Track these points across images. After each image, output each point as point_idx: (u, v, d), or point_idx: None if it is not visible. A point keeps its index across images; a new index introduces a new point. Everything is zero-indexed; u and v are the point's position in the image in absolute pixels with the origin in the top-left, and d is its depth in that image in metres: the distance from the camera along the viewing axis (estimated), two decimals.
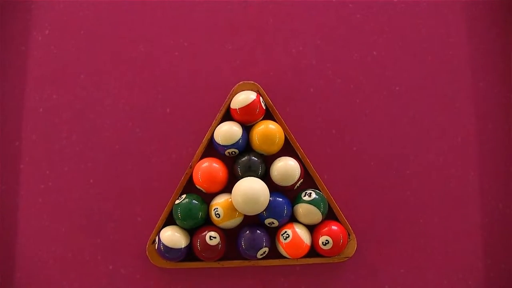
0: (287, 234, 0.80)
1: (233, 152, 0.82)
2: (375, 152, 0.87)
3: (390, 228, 0.86)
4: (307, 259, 0.82)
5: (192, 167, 0.82)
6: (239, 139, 0.81)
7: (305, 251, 0.81)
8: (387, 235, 0.86)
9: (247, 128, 0.84)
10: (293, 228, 0.81)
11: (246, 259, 0.82)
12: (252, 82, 0.84)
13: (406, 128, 0.87)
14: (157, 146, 0.86)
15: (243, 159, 0.81)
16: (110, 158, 0.86)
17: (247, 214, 0.79)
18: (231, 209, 0.80)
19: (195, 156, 0.83)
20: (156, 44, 0.88)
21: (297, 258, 0.82)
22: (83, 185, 0.85)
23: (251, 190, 0.77)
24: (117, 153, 0.86)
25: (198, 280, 0.84)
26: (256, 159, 0.81)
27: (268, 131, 0.82)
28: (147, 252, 0.82)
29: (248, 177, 0.79)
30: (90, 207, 0.85)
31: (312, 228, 0.82)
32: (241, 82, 0.84)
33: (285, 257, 0.82)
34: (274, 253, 0.82)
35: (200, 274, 0.84)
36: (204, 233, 0.79)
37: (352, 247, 0.83)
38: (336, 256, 0.83)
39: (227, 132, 0.81)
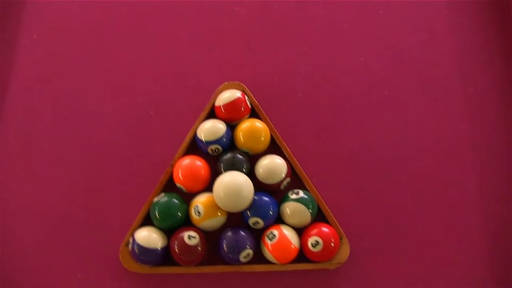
0: (272, 235, 0.74)
1: (216, 150, 0.78)
2: (368, 156, 0.83)
3: (387, 235, 0.80)
4: (296, 264, 0.75)
5: (173, 165, 0.78)
6: (223, 136, 0.78)
7: (293, 254, 0.74)
8: (383, 242, 0.79)
9: (232, 127, 0.81)
10: (280, 228, 0.74)
11: (228, 263, 0.75)
12: (238, 82, 0.83)
13: (399, 132, 0.84)
14: (139, 148, 0.83)
15: (227, 156, 0.77)
16: (88, 159, 0.82)
17: (229, 210, 0.74)
18: (213, 206, 0.74)
19: (176, 154, 0.79)
20: (142, 47, 0.88)
21: (284, 264, 0.74)
22: (57, 186, 0.81)
23: (233, 183, 0.72)
24: (96, 155, 0.82)
25: None
26: (241, 156, 0.77)
27: (254, 128, 0.79)
28: (120, 255, 0.75)
29: (232, 171, 0.74)
30: (63, 211, 0.79)
31: (300, 232, 0.76)
32: (226, 83, 0.83)
33: (271, 263, 0.75)
34: (259, 258, 0.75)
35: (177, 282, 0.76)
36: (183, 233, 0.73)
37: (345, 252, 0.76)
38: (327, 262, 0.75)
39: (210, 128, 0.78)
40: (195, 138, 0.80)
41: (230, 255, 0.73)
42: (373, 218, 0.80)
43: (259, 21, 0.89)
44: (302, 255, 0.75)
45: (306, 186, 0.79)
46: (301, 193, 0.76)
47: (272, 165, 0.77)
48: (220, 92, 0.82)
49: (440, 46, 0.89)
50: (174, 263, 0.74)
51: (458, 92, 0.87)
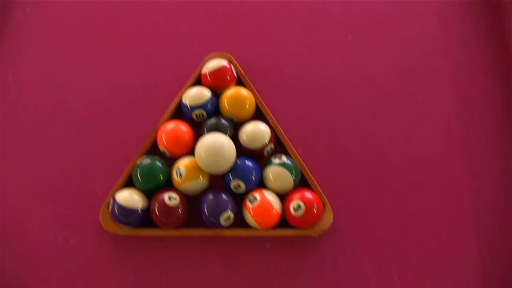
0: (254, 197, 0.73)
1: (201, 115, 0.78)
2: (351, 130, 0.83)
3: (371, 204, 0.78)
4: (278, 230, 0.74)
5: (157, 130, 0.78)
6: (208, 101, 0.78)
7: (274, 219, 0.73)
8: (367, 211, 0.78)
9: (217, 96, 0.81)
10: (262, 192, 0.74)
11: (209, 227, 0.73)
12: (225, 53, 0.84)
13: (385, 106, 0.85)
14: (125, 116, 0.83)
15: (211, 121, 0.77)
16: (75, 127, 0.82)
17: (210, 171, 0.73)
18: (195, 169, 0.74)
19: (161, 119, 0.79)
20: (132, 19, 0.90)
21: (266, 229, 0.73)
22: (42, 153, 0.81)
23: (215, 144, 0.72)
24: (83, 123, 0.83)
25: (154, 254, 0.74)
26: (225, 122, 0.77)
27: (239, 95, 0.79)
28: (100, 216, 0.74)
29: (214, 133, 0.74)
30: (47, 175, 0.79)
31: (283, 199, 0.75)
32: (213, 53, 0.84)
33: (253, 228, 0.74)
34: (241, 223, 0.74)
35: (157, 246, 0.75)
36: (163, 194, 0.72)
37: (328, 219, 0.75)
38: (310, 228, 0.74)
39: (196, 93, 0.79)
40: (180, 105, 0.80)
41: (211, 218, 0.72)
42: (357, 188, 0.79)
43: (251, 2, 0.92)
44: (285, 222, 0.74)
45: (290, 154, 0.78)
46: (285, 158, 0.76)
47: (256, 130, 0.77)
48: (207, 61, 0.82)
49: (429, 30, 0.90)
50: (154, 226, 0.73)
51: (446, 74, 0.87)
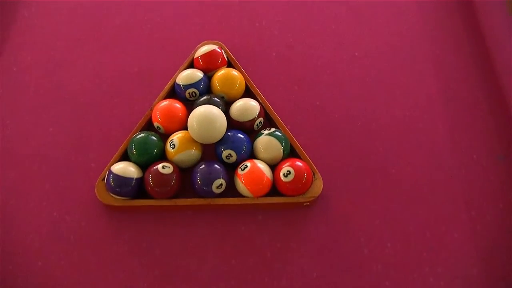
0: (245, 165, 0.75)
1: (193, 93, 0.82)
2: (338, 106, 0.87)
3: (361, 178, 0.80)
4: (269, 198, 0.75)
5: (152, 109, 0.81)
6: (200, 81, 0.82)
7: (266, 186, 0.74)
8: (358, 184, 0.79)
9: (209, 78, 0.85)
10: (253, 161, 0.76)
11: (202, 197, 0.75)
12: (216, 41, 0.89)
13: (370, 84, 0.89)
14: (121, 99, 0.87)
15: (203, 98, 0.81)
16: (73, 109, 0.86)
17: (202, 140, 0.76)
18: (188, 140, 0.76)
19: (156, 99, 0.83)
20: (130, 10, 0.97)
21: (257, 197, 0.75)
22: (41, 133, 0.84)
23: (206, 113, 0.75)
24: (80, 104, 0.87)
25: (147, 226, 0.75)
26: (217, 98, 0.81)
27: (229, 75, 0.83)
28: (95, 189, 0.76)
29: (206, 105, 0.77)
30: (44, 154, 0.82)
31: (274, 169, 0.77)
32: (205, 41, 0.89)
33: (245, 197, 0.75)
34: (233, 193, 0.76)
35: (151, 218, 0.76)
36: (157, 164, 0.74)
37: (318, 187, 0.76)
38: (301, 195, 0.75)
39: (188, 73, 0.83)
40: (174, 87, 0.84)
41: (203, 187, 0.74)
42: (346, 160, 0.81)
43: None
44: (276, 193, 0.76)
45: (280, 128, 0.81)
46: (274, 130, 0.78)
47: (246, 105, 0.80)
48: (199, 48, 0.87)
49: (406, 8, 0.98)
50: (149, 198, 0.75)
51: (426, 51, 0.92)
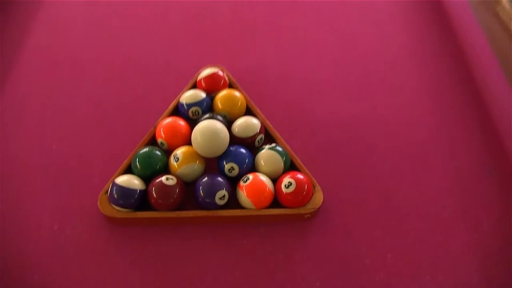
0: (247, 178, 0.77)
1: (196, 112, 0.85)
2: (335, 124, 0.91)
3: (359, 192, 0.82)
4: (271, 209, 0.76)
5: (155, 126, 0.84)
6: (203, 100, 0.86)
7: (268, 197, 0.76)
8: (357, 196, 0.82)
9: (212, 99, 0.89)
10: (255, 174, 0.78)
11: (205, 209, 0.76)
12: (218, 65, 0.93)
13: (365, 105, 0.95)
14: (124, 120, 0.90)
15: (206, 115, 0.84)
16: (76, 124, 0.89)
17: (206, 154, 0.78)
18: (191, 154, 0.79)
19: (160, 118, 0.86)
20: (138, 38, 1.04)
21: (260, 208, 0.76)
22: (44, 148, 0.86)
23: (210, 127, 0.78)
24: (84, 124, 0.89)
25: (149, 240, 0.75)
26: (219, 116, 0.84)
27: (231, 95, 0.87)
28: (98, 202, 0.76)
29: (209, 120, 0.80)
30: (47, 169, 0.83)
31: (275, 183, 0.79)
32: (207, 65, 0.94)
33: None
34: (236, 206, 0.77)
35: (153, 232, 0.76)
36: (161, 176, 0.76)
37: (318, 198, 0.78)
38: (302, 207, 0.77)
39: (192, 93, 0.87)
40: (178, 107, 0.87)
41: (206, 200, 0.75)
42: (345, 173, 0.84)
43: (240, 19, 1.10)
44: (278, 205, 0.77)
45: (280, 144, 0.84)
46: (275, 145, 0.81)
47: (247, 121, 0.83)
48: (202, 71, 0.92)
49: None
50: (152, 210, 0.75)
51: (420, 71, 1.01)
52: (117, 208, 0.75)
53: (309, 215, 0.77)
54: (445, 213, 0.80)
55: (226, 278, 0.72)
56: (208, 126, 0.77)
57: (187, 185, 0.78)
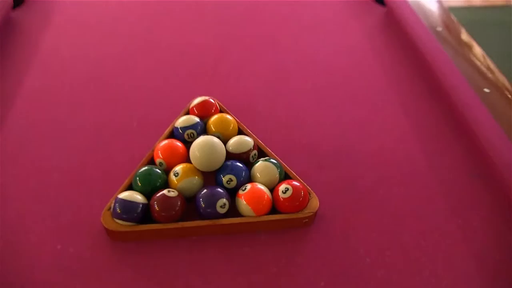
0: (245, 187, 0.80)
1: (191, 134, 0.90)
2: (324, 141, 0.97)
3: (352, 199, 0.86)
4: (270, 216, 0.79)
5: (153, 150, 0.88)
6: (197, 123, 0.91)
7: (266, 205, 0.79)
8: (350, 205, 0.85)
9: (205, 124, 0.94)
10: (252, 183, 0.81)
11: (206, 218, 0.78)
12: (209, 96, 1.00)
13: (350, 123, 1.02)
14: (123, 145, 0.94)
15: (201, 136, 0.88)
16: (77, 152, 0.93)
17: (204, 168, 0.81)
18: (190, 169, 0.82)
19: (156, 142, 0.89)
20: (132, 69, 1.12)
21: (260, 215, 0.78)
22: (45, 170, 0.88)
23: (207, 142, 0.82)
24: (84, 149, 0.93)
25: (152, 253, 0.76)
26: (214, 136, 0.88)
27: (223, 118, 0.92)
28: (101, 218, 0.77)
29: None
30: (48, 190, 0.85)
31: (271, 192, 0.82)
32: (199, 97, 1.00)
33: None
34: (235, 215, 0.79)
35: (155, 245, 0.77)
36: (162, 191, 0.78)
37: (315, 203, 0.81)
38: (300, 212, 0.80)
39: (185, 118, 0.92)
40: (173, 131, 0.92)
41: (208, 210, 0.77)
42: (337, 186, 0.88)
43: (228, 53, 1.20)
44: (276, 212, 0.80)
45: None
46: (270, 158, 0.85)
47: (240, 139, 0.88)
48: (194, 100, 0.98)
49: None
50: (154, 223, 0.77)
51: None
52: (121, 222, 0.76)
53: (307, 220, 0.80)
54: (435, 216, 0.84)
55: (229, 285, 0.73)
56: (206, 141, 0.82)
57: (187, 201, 0.80)
